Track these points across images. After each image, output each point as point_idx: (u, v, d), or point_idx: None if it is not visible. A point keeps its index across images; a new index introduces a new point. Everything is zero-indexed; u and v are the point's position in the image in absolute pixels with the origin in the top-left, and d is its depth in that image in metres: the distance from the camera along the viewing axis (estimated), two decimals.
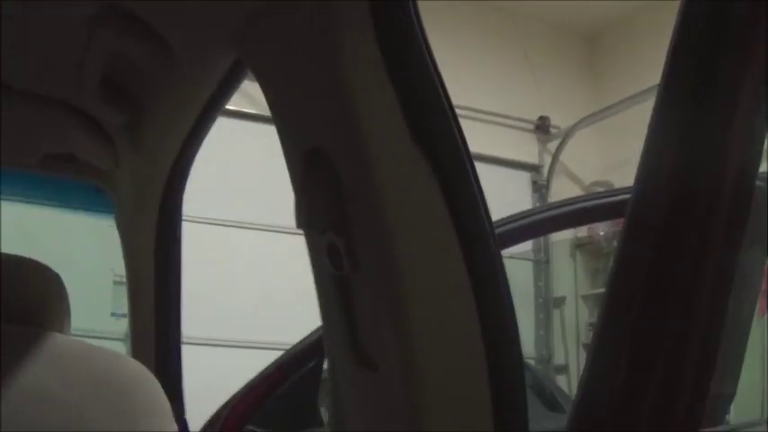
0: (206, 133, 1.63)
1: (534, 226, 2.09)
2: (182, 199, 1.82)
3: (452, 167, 1.03)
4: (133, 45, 1.38)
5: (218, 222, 5.76)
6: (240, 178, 5.88)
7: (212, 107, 1.53)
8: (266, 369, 2.51)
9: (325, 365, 2.62)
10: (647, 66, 6.49)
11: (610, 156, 7.15)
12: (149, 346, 2.03)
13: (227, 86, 1.45)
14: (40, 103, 1.68)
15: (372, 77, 0.99)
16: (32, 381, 1.07)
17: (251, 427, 2.45)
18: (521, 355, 1.07)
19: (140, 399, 1.14)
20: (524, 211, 2.15)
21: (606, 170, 6.97)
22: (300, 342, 2.52)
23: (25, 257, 1.21)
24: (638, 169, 0.95)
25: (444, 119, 1.03)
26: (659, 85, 0.93)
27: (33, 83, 1.65)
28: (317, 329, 2.51)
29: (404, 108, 1.00)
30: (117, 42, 1.39)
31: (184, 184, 1.79)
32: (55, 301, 1.21)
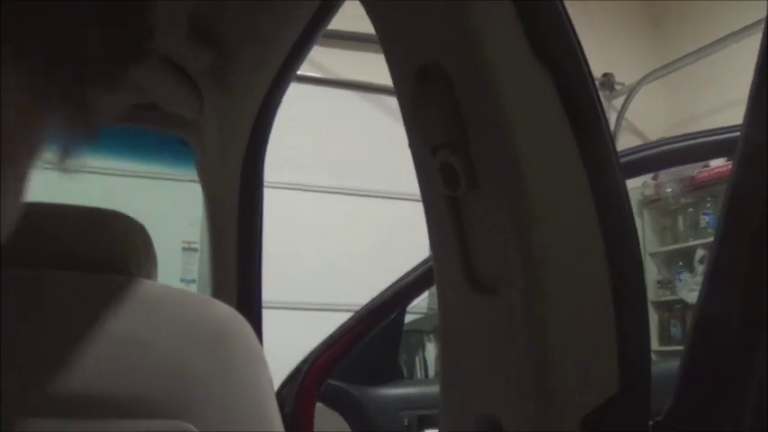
0: (295, 72, 1.59)
1: (658, 157, 2.06)
2: (267, 144, 1.79)
3: (576, 84, 0.99)
4: None
5: (279, 186, 5.76)
6: (301, 142, 5.88)
7: (304, 42, 1.49)
8: (346, 323, 2.50)
9: (407, 319, 2.61)
10: (713, 17, 6.42)
11: (677, 111, 7.02)
12: (231, 298, 2.02)
13: (320, 18, 1.40)
14: None
15: None
16: (123, 328, 1.04)
17: (332, 381, 2.44)
18: (644, 281, 1.03)
19: (235, 342, 1.11)
20: (645, 144, 2.13)
21: (674, 126, 6.83)
22: (380, 295, 2.49)
23: (104, 208, 1.19)
24: (748, 110, 0.93)
25: (565, 34, 0.98)
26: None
27: None
28: (395, 282, 2.50)
29: (523, 19, 0.96)
30: None
31: (270, 129, 1.76)
32: (141, 248, 1.19)
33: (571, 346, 0.98)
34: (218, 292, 2.09)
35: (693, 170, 6.19)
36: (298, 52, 1.53)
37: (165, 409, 0.99)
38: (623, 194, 1.01)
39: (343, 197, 6.07)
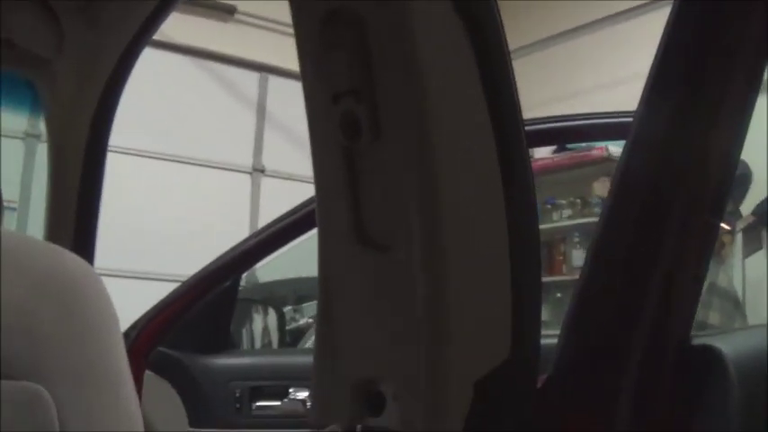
0: (169, 13, 1.48)
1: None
2: (122, 92, 1.68)
3: (491, 45, 0.97)
4: None
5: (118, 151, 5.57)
6: (143, 108, 5.73)
7: None
8: (178, 288, 2.42)
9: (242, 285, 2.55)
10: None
11: None
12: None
13: None
14: None
15: None
16: None
17: (162, 349, 2.35)
18: (539, 248, 1.03)
19: (89, 299, 1.02)
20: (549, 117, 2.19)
21: None
22: (215, 261, 2.42)
23: None
24: (630, 137, 0.99)
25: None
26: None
27: None
28: (231, 249, 2.43)
29: None
30: None
31: (127, 77, 1.65)
32: None
33: (468, 308, 0.97)
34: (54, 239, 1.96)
35: None
36: None
37: (13, 370, 0.89)
38: (527, 157, 1.00)
39: (182, 166, 5.95)
